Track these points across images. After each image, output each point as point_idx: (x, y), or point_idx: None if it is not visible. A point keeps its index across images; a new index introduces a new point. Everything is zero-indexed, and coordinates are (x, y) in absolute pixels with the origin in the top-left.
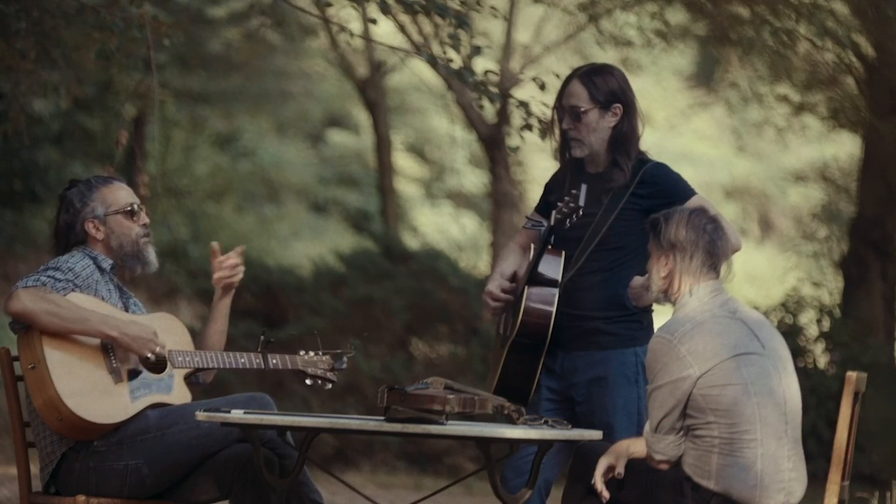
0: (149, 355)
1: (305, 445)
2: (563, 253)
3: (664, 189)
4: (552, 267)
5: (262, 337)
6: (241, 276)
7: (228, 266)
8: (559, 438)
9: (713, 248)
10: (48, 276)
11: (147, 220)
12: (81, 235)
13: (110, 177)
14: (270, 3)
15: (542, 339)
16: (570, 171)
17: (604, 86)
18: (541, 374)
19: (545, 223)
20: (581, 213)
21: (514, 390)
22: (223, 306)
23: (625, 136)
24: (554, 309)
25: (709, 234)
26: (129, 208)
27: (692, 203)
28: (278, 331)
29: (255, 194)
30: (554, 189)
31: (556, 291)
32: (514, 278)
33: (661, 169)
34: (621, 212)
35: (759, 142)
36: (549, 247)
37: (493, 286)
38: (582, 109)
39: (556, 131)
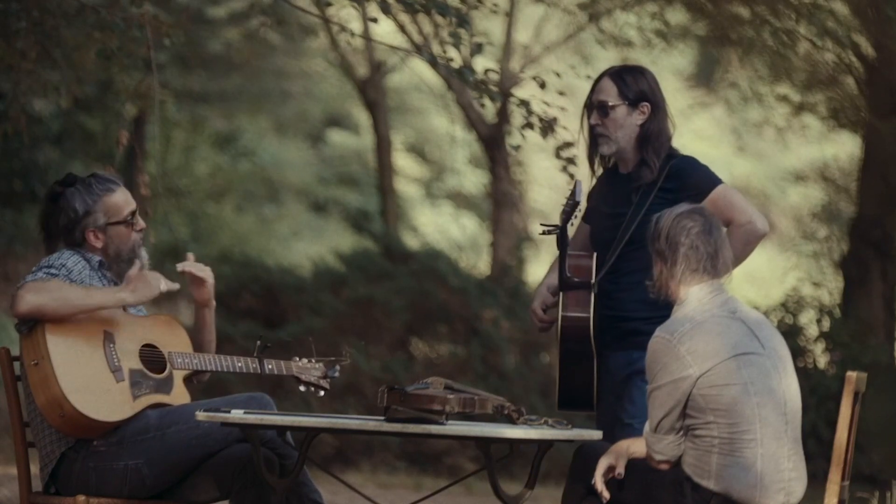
0: (163, 288)
1: (305, 445)
2: (594, 254)
3: (690, 181)
4: (582, 268)
5: (258, 342)
6: (208, 276)
7: (194, 268)
8: (559, 438)
9: (695, 254)
10: (44, 272)
11: (143, 225)
12: (80, 240)
13: (109, 178)
14: (270, 3)
15: (587, 341)
16: (605, 176)
17: (634, 84)
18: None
19: (558, 227)
20: (579, 206)
21: (578, 398)
22: (203, 318)
23: (652, 136)
24: (591, 310)
25: (692, 238)
26: (129, 218)
27: (716, 193)
28: (278, 330)
29: (255, 194)
30: (591, 195)
31: (589, 293)
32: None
33: (688, 161)
34: (650, 207)
35: (759, 142)
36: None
37: (537, 304)
38: (610, 104)
39: (585, 132)
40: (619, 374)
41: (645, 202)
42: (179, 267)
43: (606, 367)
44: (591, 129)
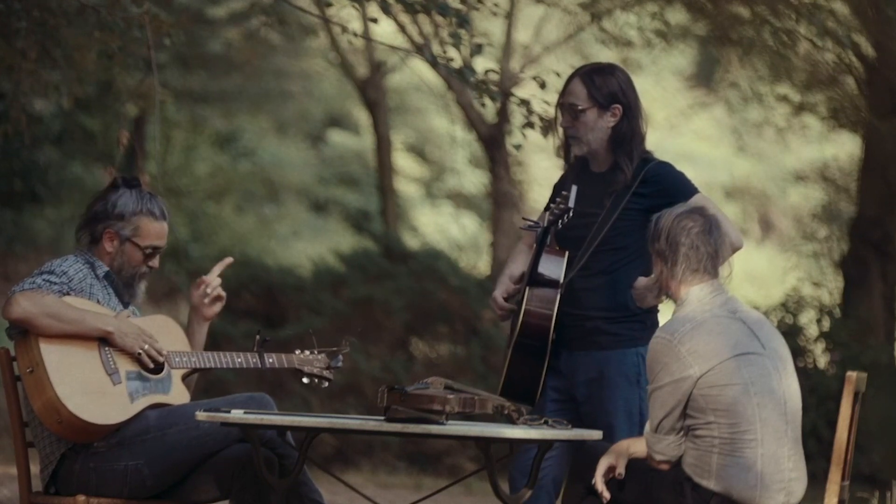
0: (139, 351)
1: (305, 445)
2: (566, 253)
3: (666, 188)
4: (553, 267)
5: (257, 336)
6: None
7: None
8: (559, 438)
9: (696, 254)
10: (43, 280)
11: (156, 266)
12: (97, 236)
13: (162, 208)
14: (271, 3)
15: (545, 341)
16: (575, 170)
17: (604, 86)
18: (546, 375)
19: (541, 224)
20: (571, 213)
21: (521, 391)
22: (202, 332)
23: (625, 137)
24: (555, 310)
25: (692, 238)
26: (149, 250)
27: (692, 202)
28: (278, 330)
29: (255, 194)
30: (561, 188)
31: (556, 292)
32: (521, 279)
33: (664, 168)
34: (623, 212)
35: (759, 142)
36: (551, 247)
37: (498, 292)
38: (579, 108)
39: (559, 129)
40: (582, 375)
41: (618, 206)
42: (216, 271)
43: (563, 367)
44: (564, 129)
